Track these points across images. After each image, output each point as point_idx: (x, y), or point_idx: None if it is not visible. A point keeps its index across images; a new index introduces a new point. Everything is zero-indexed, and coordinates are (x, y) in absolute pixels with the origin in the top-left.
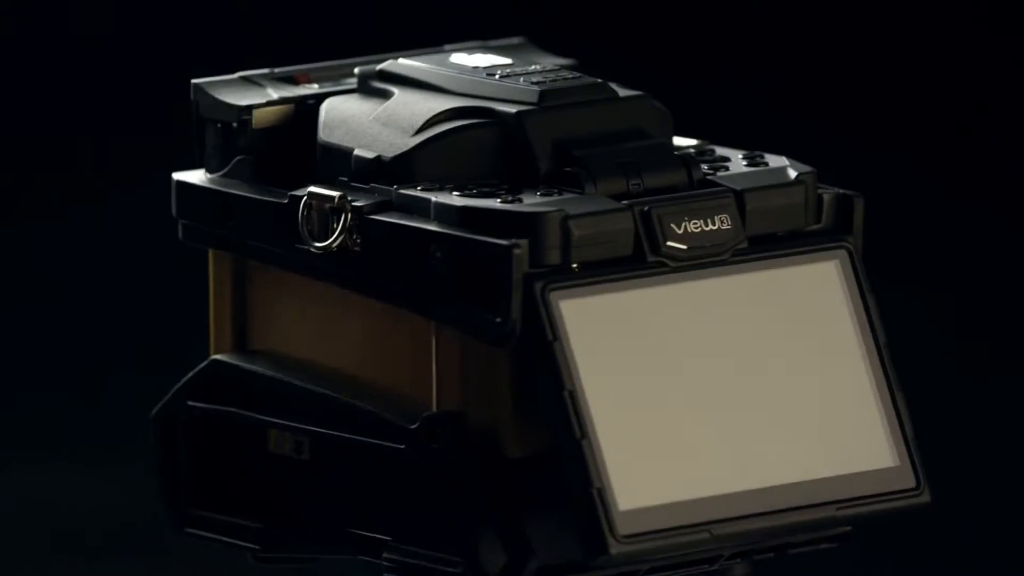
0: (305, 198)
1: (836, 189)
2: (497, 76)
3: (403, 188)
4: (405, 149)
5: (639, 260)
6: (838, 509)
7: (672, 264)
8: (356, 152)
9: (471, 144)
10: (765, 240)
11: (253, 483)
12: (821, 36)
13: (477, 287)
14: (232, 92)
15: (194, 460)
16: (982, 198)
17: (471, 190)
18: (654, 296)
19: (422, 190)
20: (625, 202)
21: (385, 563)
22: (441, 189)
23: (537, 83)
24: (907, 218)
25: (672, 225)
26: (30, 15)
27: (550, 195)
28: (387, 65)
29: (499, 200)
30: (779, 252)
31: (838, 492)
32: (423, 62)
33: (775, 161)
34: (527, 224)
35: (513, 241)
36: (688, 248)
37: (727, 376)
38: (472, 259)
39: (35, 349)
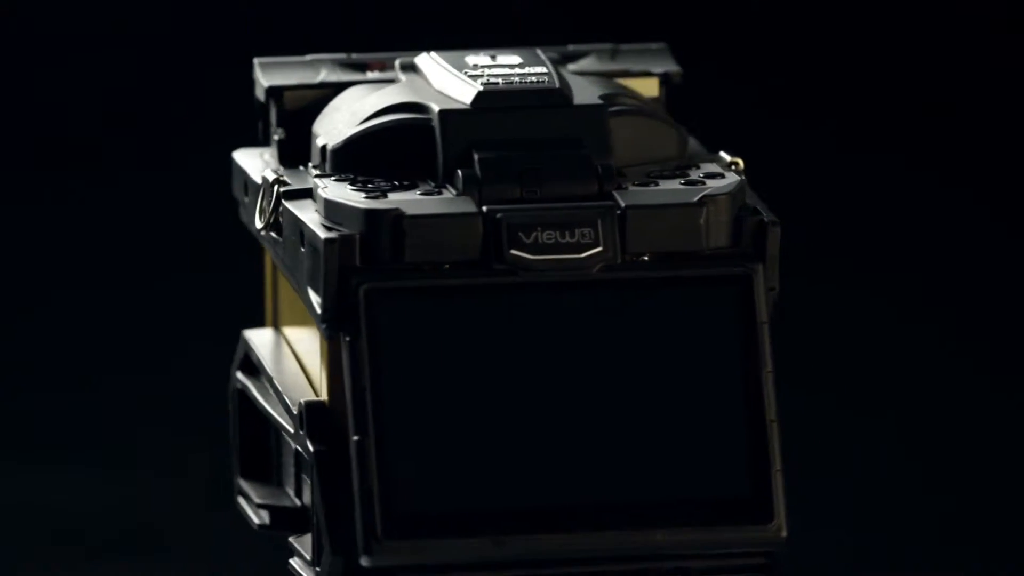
0: (261, 181)
1: (763, 214)
2: (467, 74)
3: (319, 176)
4: (341, 140)
5: (486, 266)
6: (666, 535)
7: (524, 274)
8: (317, 139)
9: (395, 138)
10: (667, 260)
11: (270, 458)
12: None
13: (313, 277)
14: (281, 73)
15: (242, 432)
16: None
17: (369, 184)
18: (486, 303)
19: (334, 180)
20: (485, 208)
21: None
22: (347, 180)
23: (489, 84)
24: (910, 218)
25: (520, 234)
26: None
27: (430, 195)
28: (417, 59)
29: (364, 195)
30: (661, 273)
31: (670, 518)
32: (439, 57)
33: (717, 182)
34: (365, 220)
35: (331, 235)
36: (537, 259)
37: (558, 393)
38: (313, 249)
39: (35, 347)
